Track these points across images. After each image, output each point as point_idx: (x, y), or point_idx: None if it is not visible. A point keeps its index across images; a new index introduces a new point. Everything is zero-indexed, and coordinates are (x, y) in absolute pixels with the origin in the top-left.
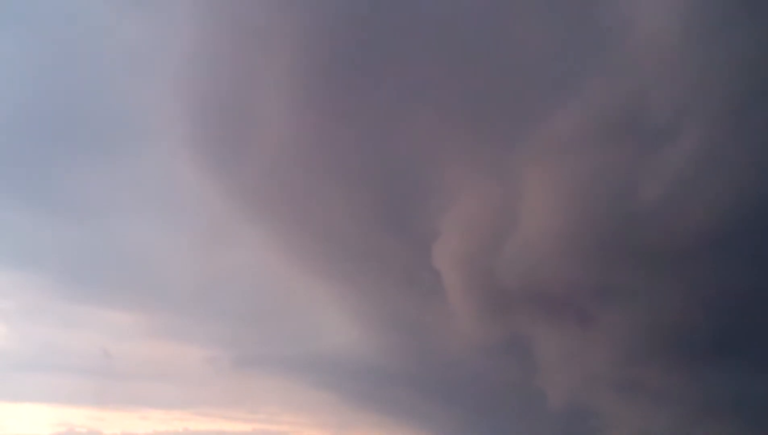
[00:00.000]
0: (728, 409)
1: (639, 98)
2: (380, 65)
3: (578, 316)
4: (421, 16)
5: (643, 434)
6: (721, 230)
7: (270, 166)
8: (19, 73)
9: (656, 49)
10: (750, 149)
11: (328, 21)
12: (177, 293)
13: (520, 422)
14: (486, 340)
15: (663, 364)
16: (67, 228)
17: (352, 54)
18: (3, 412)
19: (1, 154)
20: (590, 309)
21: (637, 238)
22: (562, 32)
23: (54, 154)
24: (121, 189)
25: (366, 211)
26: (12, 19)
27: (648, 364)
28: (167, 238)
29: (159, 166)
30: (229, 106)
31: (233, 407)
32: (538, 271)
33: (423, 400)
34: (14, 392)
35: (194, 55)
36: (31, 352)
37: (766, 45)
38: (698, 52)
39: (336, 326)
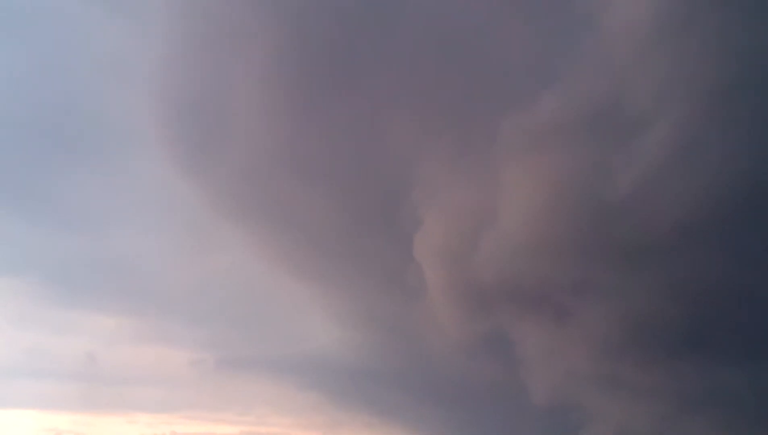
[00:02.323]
0: (706, 404)
1: (616, 89)
2: (358, 61)
3: (556, 311)
4: (397, 12)
5: (624, 428)
6: (697, 224)
7: (251, 168)
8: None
9: (632, 38)
10: (728, 141)
11: (305, 22)
12: (161, 297)
13: (505, 418)
14: (469, 337)
15: (640, 359)
16: (51, 233)
17: (328, 50)
18: None
19: None
20: (568, 304)
21: (615, 231)
22: (538, 23)
23: (38, 161)
24: (105, 194)
25: (347, 210)
26: None
27: (626, 358)
28: (151, 242)
29: (143, 171)
30: (211, 109)
31: (220, 410)
32: (516, 266)
33: (409, 399)
34: (1, 398)
35: (174, 59)
36: (16, 358)
37: (742, 35)
38: (674, 41)
39: (321, 327)
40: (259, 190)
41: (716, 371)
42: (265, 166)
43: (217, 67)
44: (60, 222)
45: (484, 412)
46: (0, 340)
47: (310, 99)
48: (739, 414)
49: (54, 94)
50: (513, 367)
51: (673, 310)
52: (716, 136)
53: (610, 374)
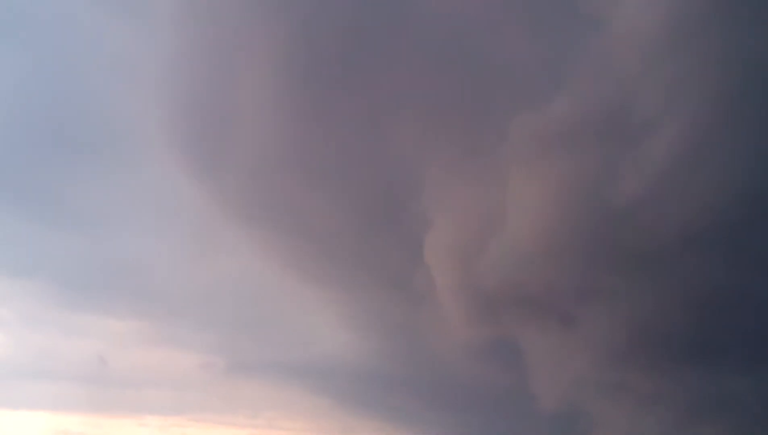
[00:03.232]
0: (712, 410)
1: (624, 94)
2: (365, 63)
3: (563, 317)
4: (405, 14)
5: None
6: (704, 229)
7: (260, 171)
8: (7, 81)
9: (640, 42)
10: (736, 146)
11: (311, 23)
12: (171, 300)
13: (512, 423)
14: (477, 341)
15: (647, 365)
16: (61, 236)
17: (336, 51)
18: (0, 420)
19: None
20: (574, 310)
21: (622, 236)
22: (546, 27)
23: (48, 163)
24: (115, 197)
25: (356, 213)
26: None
27: (632, 365)
28: (162, 246)
29: (152, 173)
30: (219, 112)
31: (230, 413)
32: (523, 270)
33: (419, 404)
34: (11, 399)
35: (181, 61)
36: (28, 360)
37: (750, 39)
38: (682, 45)
39: (330, 330)
40: (267, 193)
41: (722, 378)
42: (274, 169)
43: (224, 69)
44: (69, 224)
45: (492, 417)
46: (10, 342)
47: (317, 101)
48: (745, 420)
49: (62, 96)
50: (520, 373)
51: (679, 316)
52: (724, 141)
53: (616, 380)
